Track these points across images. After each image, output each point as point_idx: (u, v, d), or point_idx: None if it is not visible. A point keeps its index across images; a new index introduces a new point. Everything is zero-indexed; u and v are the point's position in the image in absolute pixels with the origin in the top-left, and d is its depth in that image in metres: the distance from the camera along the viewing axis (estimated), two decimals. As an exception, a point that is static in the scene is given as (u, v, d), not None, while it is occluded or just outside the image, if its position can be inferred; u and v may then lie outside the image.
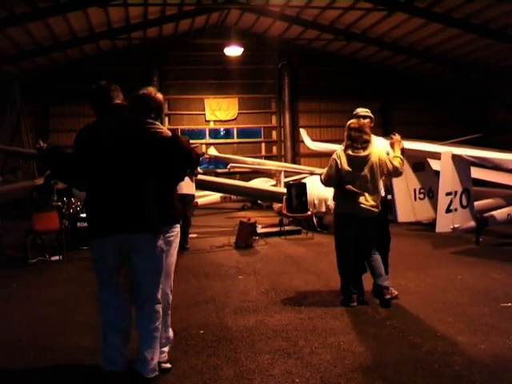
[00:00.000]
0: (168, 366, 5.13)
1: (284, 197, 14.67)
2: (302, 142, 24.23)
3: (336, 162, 7.25)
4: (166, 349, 5.21)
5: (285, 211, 14.61)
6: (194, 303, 7.56)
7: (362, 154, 7.15)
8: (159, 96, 5.61)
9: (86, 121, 24.61)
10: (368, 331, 6.18)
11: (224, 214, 20.95)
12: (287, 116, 28.76)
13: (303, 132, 22.38)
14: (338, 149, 7.50)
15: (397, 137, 7.53)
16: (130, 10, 22.36)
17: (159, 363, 4.95)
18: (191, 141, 14.74)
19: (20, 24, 19.68)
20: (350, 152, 7.18)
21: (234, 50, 25.68)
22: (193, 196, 13.02)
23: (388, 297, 7.14)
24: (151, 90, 5.61)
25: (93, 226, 4.84)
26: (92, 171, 4.81)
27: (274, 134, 29.93)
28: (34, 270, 10.52)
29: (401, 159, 7.34)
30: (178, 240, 5.46)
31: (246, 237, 12.65)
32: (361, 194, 7.11)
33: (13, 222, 14.92)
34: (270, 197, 17.87)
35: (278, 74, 29.17)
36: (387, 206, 8.04)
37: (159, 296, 4.91)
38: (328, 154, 7.98)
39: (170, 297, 5.42)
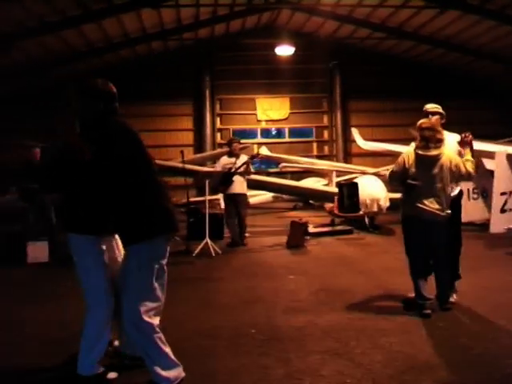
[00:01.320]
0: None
1: (336, 196, 14.61)
2: (354, 141, 24.10)
3: (404, 160, 7.05)
4: None
5: (336, 211, 14.56)
6: (244, 302, 7.56)
7: (432, 153, 6.81)
8: None
9: (139, 121, 25.13)
10: (419, 333, 6.10)
11: (275, 213, 20.95)
12: (339, 115, 28.64)
13: (355, 131, 22.26)
14: (404, 149, 7.22)
15: (469, 137, 7.17)
16: (181, 11, 22.54)
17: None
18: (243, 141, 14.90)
19: (74, 27, 20.00)
20: (419, 151, 6.86)
21: (285, 50, 25.69)
22: (245, 195, 13.07)
23: (448, 306, 6.99)
24: None
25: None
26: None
27: (326, 133, 29.83)
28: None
29: (472, 162, 6.98)
30: None
31: (297, 236, 12.60)
32: (418, 185, 6.84)
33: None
34: (321, 196, 17.81)
35: (330, 73, 29.04)
36: (459, 208, 7.51)
37: None
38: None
39: None
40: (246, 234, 13.28)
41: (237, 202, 12.76)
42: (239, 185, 12.71)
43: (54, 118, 26.44)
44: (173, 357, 4.70)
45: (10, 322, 6.91)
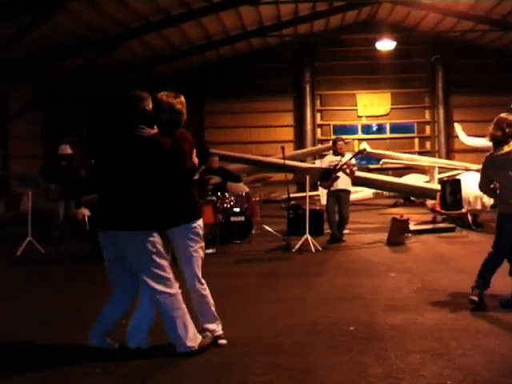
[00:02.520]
0: None
1: (438, 193, 14.35)
2: (457, 137, 23.64)
3: (483, 166, 6.93)
4: None
5: (438, 208, 14.29)
6: (343, 299, 7.54)
7: (504, 150, 6.61)
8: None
9: (237, 118, 25.44)
10: (523, 334, 5.93)
11: (376, 210, 20.75)
12: (441, 110, 28.12)
13: (458, 127, 21.80)
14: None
15: None
16: (281, 8, 22.63)
17: None
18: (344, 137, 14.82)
19: (175, 25, 20.43)
20: (496, 150, 6.68)
21: (385, 45, 25.39)
22: (348, 192, 12.99)
23: None
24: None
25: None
26: None
27: (428, 129, 29.34)
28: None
29: None
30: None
31: (397, 234, 12.44)
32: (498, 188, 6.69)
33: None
34: (422, 193, 17.52)
35: (431, 67, 28.51)
36: None
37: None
38: (484, 150, 7.66)
39: None
40: (346, 231, 13.22)
41: (340, 198, 12.74)
42: (344, 181, 12.70)
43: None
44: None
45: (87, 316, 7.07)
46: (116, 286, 5.60)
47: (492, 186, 6.85)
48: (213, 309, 5.70)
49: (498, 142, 6.72)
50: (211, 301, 5.70)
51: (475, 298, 6.78)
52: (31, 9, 14.93)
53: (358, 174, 14.28)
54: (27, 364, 5.36)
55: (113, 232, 5.35)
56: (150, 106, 5.47)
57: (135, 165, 5.30)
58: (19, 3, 14.54)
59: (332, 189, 12.68)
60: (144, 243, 5.29)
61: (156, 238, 5.37)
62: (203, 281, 5.65)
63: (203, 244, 5.75)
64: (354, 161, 13.04)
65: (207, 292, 5.68)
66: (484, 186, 7.07)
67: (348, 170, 12.53)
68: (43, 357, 5.57)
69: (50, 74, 20.95)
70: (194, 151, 5.59)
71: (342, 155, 12.87)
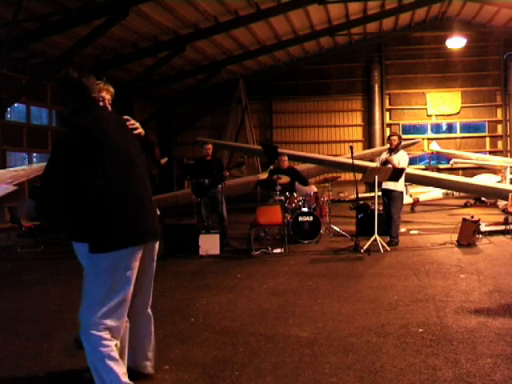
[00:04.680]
0: None
1: (510, 194, 14.09)
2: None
3: None
4: None
5: (511, 209, 14.02)
6: (413, 301, 7.48)
7: None
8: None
9: (305, 117, 25.53)
10: None
11: (446, 210, 20.48)
12: (513, 109, 27.57)
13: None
14: None
15: None
16: (349, 6, 22.57)
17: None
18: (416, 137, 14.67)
19: (244, 25, 20.63)
20: None
21: (456, 42, 25.02)
22: (395, 191, 12.60)
23: None
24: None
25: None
26: None
27: (500, 128, 28.76)
28: (256, 262, 11.02)
29: None
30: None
31: (468, 235, 12.27)
32: None
33: (238, 215, 15.77)
34: (494, 194, 17.20)
35: (504, 64, 27.95)
36: None
37: None
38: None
39: None
40: (415, 232, 13.02)
41: (388, 198, 12.58)
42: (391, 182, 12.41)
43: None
44: (124, 379, 4.24)
45: (182, 312, 7.25)
46: None
47: None
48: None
49: None
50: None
51: None
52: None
53: (429, 173, 14.08)
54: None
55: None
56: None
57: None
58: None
59: (382, 188, 12.57)
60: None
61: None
62: None
63: None
64: (402, 157, 12.74)
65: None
66: None
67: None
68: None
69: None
70: None
71: (395, 152, 12.68)
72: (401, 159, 12.58)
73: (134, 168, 4.41)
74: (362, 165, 14.97)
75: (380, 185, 12.65)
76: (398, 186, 12.50)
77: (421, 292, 8.02)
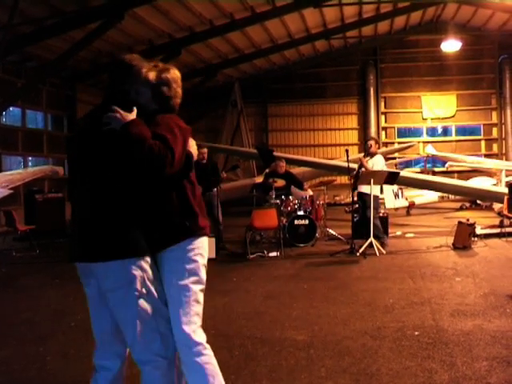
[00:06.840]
0: None
1: (505, 197, 14.11)
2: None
3: None
4: None
5: (506, 212, 14.04)
6: (409, 304, 7.49)
7: None
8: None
9: (301, 120, 25.60)
10: None
11: (441, 213, 20.49)
12: (508, 112, 27.65)
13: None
14: None
15: None
16: (344, 10, 22.62)
17: None
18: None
19: (240, 29, 20.65)
20: None
21: (451, 45, 25.03)
22: (369, 196, 12.22)
23: None
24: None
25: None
26: None
27: (495, 131, 28.80)
28: (252, 265, 11.03)
29: None
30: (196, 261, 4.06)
31: (464, 237, 12.28)
32: None
33: (234, 219, 15.78)
34: (489, 197, 17.25)
35: (499, 68, 28.03)
36: None
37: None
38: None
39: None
40: (411, 235, 13.04)
41: (362, 201, 12.63)
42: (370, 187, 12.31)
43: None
44: None
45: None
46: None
47: None
48: None
49: None
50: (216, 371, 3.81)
51: None
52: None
53: (424, 177, 14.07)
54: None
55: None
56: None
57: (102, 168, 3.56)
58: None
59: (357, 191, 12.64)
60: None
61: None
62: (204, 340, 3.96)
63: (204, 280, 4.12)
64: (378, 161, 12.79)
65: (210, 357, 3.91)
66: None
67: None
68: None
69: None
70: (191, 141, 4.06)
71: (371, 156, 12.75)
72: (375, 163, 12.60)
73: None
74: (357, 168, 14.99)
75: (381, 188, 12.69)
76: (374, 190, 12.33)
77: (417, 295, 8.03)
